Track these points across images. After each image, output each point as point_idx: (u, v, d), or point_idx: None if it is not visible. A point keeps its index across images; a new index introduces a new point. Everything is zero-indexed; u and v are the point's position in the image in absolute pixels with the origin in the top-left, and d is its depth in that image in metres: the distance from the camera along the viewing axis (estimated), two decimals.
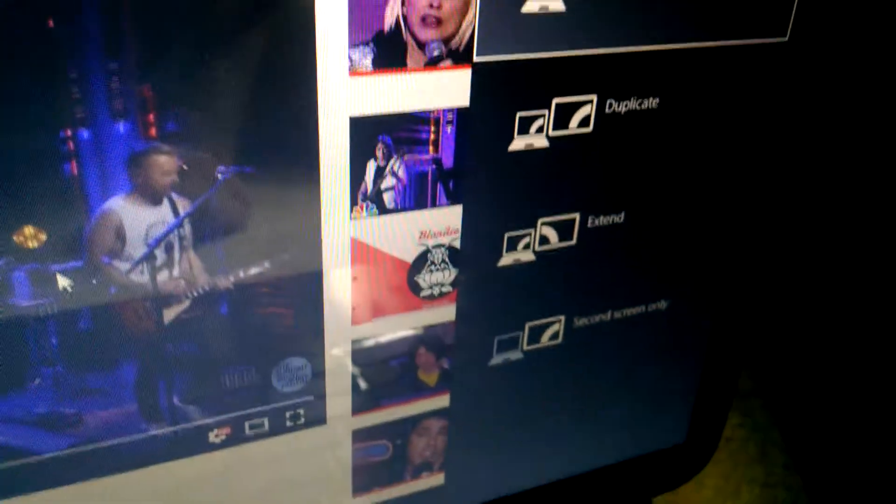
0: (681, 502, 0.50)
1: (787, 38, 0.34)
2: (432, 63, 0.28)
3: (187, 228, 0.28)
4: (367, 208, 0.30)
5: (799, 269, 0.49)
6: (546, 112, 0.31)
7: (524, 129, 0.31)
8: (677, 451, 0.45)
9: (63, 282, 0.26)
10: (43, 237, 0.26)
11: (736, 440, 0.53)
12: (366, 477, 0.36)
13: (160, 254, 0.28)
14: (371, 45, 0.27)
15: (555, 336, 0.37)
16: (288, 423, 0.33)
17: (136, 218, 0.27)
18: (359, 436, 0.35)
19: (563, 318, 0.37)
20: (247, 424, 0.32)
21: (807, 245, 0.49)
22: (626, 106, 0.32)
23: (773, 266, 0.42)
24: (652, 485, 0.46)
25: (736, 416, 0.53)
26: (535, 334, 0.36)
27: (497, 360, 0.36)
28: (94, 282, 0.27)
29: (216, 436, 0.32)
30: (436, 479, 0.38)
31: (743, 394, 0.54)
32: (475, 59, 0.29)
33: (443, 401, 0.36)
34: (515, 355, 0.37)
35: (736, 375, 0.45)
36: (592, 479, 0.43)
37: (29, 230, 0.25)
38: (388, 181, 0.30)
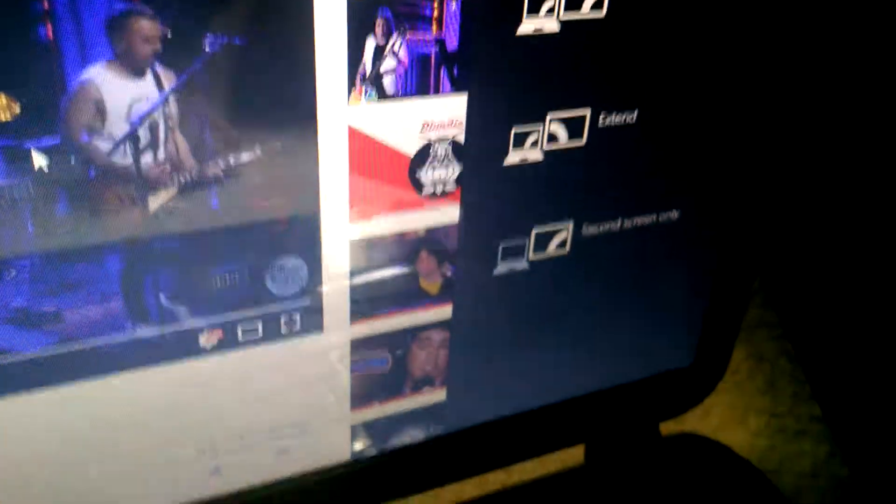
0: (688, 430, 0.49)
1: None
2: None
3: (173, 106, 0.26)
4: (365, 92, 0.28)
5: (813, 196, 0.48)
6: None
7: (534, 10, 0.29)
8: (684, 373, 0.43)
9: (39, 160, 0.25)
10: (16, 109, 0.24)
11: (742, 372, 0.52)
12: (365, 389, 0.35)
13: (144, 133, 0.26)
14: None
15: (562, 245, 0.35)
16: (283, 330, 0.31)
17: (117, 91, 0.25)
18: (357, 345, 0.33)
19: (570, 225, 0.35)
20: (239, 329, 0.31)
21: (822, 167, 0.47)
22: None
23: (788, 184, 0.41)
24: (659, 409, 0.45)
25: (742, 349, 0.52)
26: (542, 242, 0.35)
27: (502, 268, 0.35)
28: (72, 162, 0.25)
29: (207, 340, 0.30)
30: (437, 395, 0.37)
31: (749, 326, 0.53)
32: None
33: (445, 312, 0.35)
34: (521, 265, 0.35)
35: (746, 297, 0.43)
36: (600, 400, 0.41)
37: (1, 100, 0.23)
38: (389, 62, 0.28)
